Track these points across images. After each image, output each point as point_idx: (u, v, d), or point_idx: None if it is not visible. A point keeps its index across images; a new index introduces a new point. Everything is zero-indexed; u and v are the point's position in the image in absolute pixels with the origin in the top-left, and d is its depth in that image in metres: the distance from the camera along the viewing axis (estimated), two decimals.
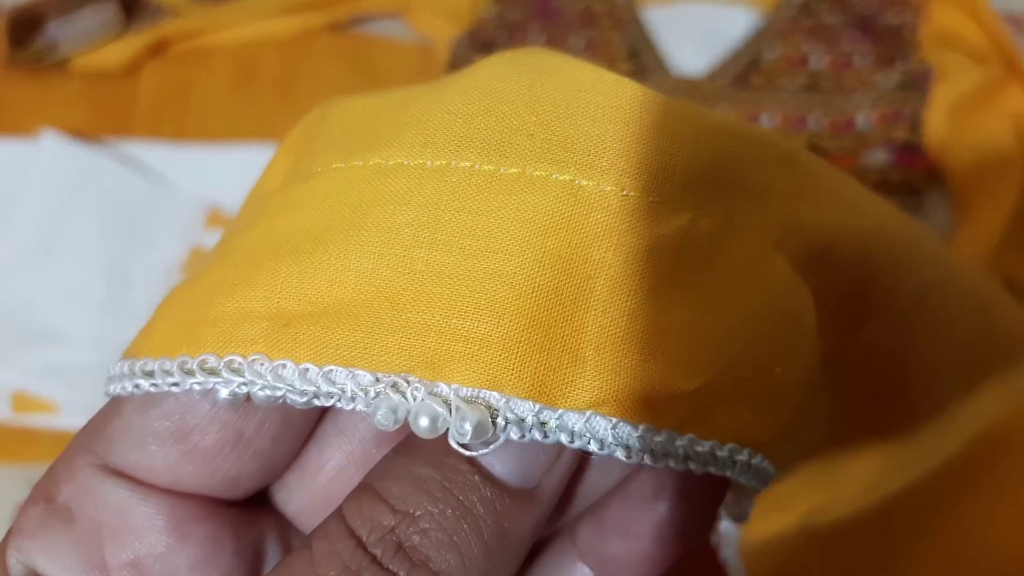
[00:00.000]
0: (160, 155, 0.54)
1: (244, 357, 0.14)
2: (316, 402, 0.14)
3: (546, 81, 0.16)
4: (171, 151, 0.54)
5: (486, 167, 0.15)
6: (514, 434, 0.14)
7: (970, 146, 0.49)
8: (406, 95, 0.17)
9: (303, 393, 0.14)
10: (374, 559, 0.14)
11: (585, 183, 0.15)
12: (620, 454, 0.14)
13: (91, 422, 0.16)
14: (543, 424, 0.14)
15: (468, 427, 0.13)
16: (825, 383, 0.19)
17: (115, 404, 0.16)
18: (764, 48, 0.55)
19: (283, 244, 0.15)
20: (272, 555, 0.17)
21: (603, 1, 0.58)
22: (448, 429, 0.14)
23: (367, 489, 0.15)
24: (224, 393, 0.14)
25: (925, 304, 0.21)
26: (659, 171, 0.15)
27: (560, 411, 0.14)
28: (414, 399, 0.14)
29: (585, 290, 0.14)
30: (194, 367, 0.14)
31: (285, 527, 0.17)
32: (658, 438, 0.14)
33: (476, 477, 0.14)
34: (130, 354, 0.16)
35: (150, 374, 0.15)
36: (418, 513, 0.14)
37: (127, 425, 0.16)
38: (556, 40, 0.57)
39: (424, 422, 0.14)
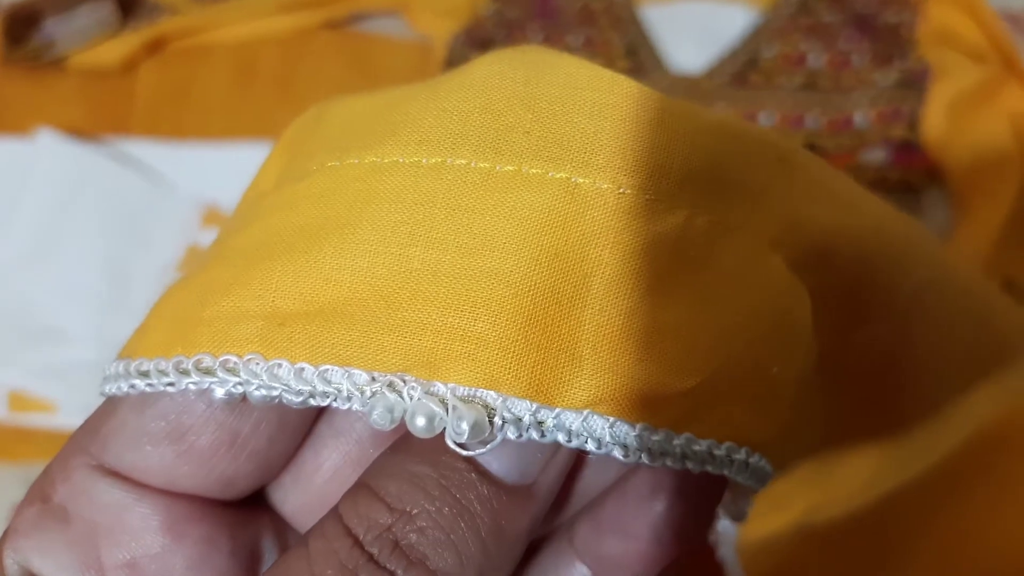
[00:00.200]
0: (158, 153, 0.54)
1: (239, 357, 0.14)
2: (312, 402, 0.14)
3: (542, 78, 0.16)
4: (169, 149, 0.54)
5: (482, 165, 0.15)
6: (511, 433, 0.14)
7: (968, 145, 0.49)
8: (401, 93, 0.17)
9: (299, 393, 0.14)
10: (371, 558, 0.14)
11: (581, 181, 0.15)
12: (617, 453, 0.14)
13: (87, 422, 0.16)
14: (540, 423, 0.14)
15: (465, 426, 0.13)
16: (822, 382, 0.19)
17: (111, 404, 0.16)
18: (762, 46, 0.55)
19: (278, 243, 0.15)
20: (268, 555, 0.17)
21: None
22: (445, 428, 0.13)
23: (364, 488, 0.14)
24: (220, 393, 0.14)
25: (922, 304, 0.21)
26: (656, 169, 0.15)
27: (557, 410, 0.14)
28: (410, 398, 0.14)
29: (582, 288, 0.14)
30: (189, 367, 0.14)
31: (281, 527, 0.17)
32: (655, 437, 0.14)
33: (473, 475, 0.14)
34: (125, 354, 0.16)
35: (145, 374, 0.15)
36: (415, 511, 0.14)
37: (123, 425, 0.16)
38: (554, 38, 0.57)
39: (421, 422, 0.13)
